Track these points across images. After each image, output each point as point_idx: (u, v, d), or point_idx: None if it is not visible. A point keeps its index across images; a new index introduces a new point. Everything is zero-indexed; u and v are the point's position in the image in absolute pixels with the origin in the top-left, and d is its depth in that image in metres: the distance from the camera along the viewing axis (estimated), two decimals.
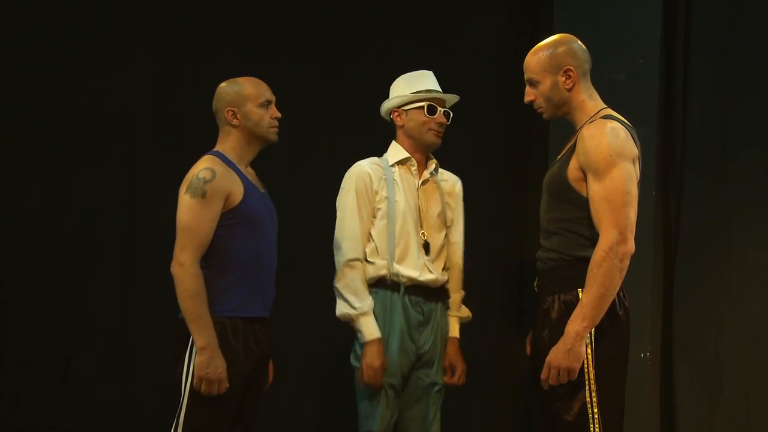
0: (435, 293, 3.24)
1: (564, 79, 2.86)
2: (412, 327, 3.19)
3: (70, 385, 3.88)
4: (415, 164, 3.28)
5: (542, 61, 2.88)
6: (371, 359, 3.10)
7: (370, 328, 3.11)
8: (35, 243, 3.90)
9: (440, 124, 3.26)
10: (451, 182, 3.33)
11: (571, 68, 2.86)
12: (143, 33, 4.01)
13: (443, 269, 3.27)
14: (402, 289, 3.19)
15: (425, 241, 3.22)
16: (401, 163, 3.27)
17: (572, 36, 2.94)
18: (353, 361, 3.21)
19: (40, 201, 3.91)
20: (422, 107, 3.24)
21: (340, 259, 3.19)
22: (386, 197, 3.20)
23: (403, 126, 3.27)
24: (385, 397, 3.16)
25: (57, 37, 3.93)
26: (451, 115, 3.28)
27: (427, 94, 3.24)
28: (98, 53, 3.97)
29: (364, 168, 3.23)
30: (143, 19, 4.01)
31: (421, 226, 3.22)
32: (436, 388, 3.23)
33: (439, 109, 3.25)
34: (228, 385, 2.83)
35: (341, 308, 3.17)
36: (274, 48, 4.08)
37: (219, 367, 2.80)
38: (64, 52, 3.93)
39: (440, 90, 3.28)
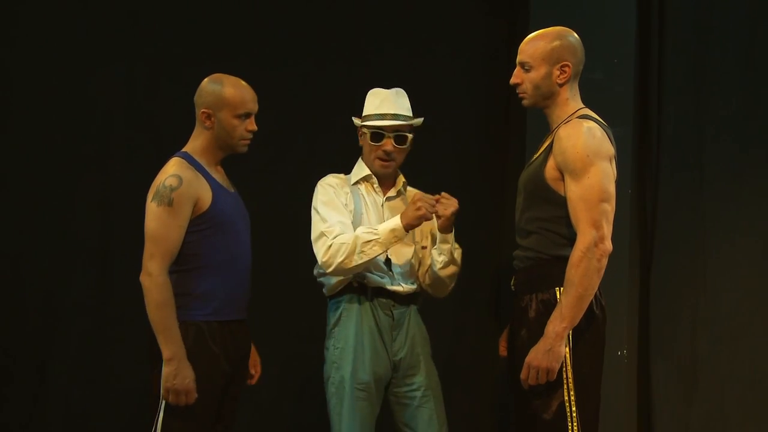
0: (405, 298, 3.28)
1: (558, 72, 2.92)
2: (384, 331, 3.23)
3: (45, 390, 3.88)
4: (377, 182, 3.32)
5: (542, 49, 2.93)
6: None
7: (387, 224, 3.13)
8: (9, 244, 3.89)
9: (387, 152, 3.24)
10: (411, 194, 3.33)
11: (569, 64, 2.93)
12: (119, 32, 4.01)
13: (414, 282, 3.31)
14: (369, 291, 3.25)
15: (386, 258, 3.24)
16: (364, 180, 3.32)
17: (574, 32, 3.00)
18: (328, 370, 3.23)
19: (14, 202, 3.89)
20: (366, 134, 3.26)
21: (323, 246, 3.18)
22: (352, 210, 3.26)
23: (361, 147, 3.35)
24: (359, 411, 3.18)
25: (31, 36, 3.92)
26: (410, 138, 3.24)
27: (372, 120, 3.24)
28: (73, 53, 3.98)
29: (330, 180, 3.32)
30: (119, 18, 4.00)
31: None
32: (424, 392, 3.24)
33: (387, 136, 3.23)
34: (196, 395, 2.86)
35: (364, 253, 3.11)
36: (251, 46, 4.09)
37: (186, 378, 2.84)
38: (38, 52, 3.93)
39: (395, 113, 3.23)
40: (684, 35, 4.01)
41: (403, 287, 3.27)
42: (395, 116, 3.26)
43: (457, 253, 3.28)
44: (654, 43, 4.00)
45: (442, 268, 3.25)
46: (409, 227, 3.13)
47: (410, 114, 3.29)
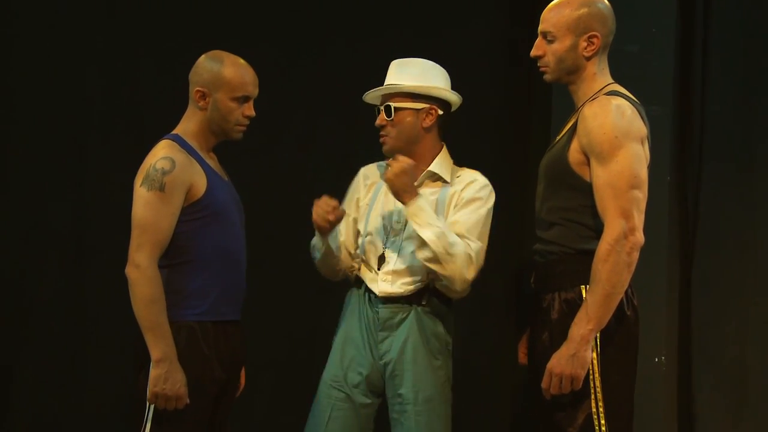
0: (393, 299, 3.17)
1: (585, 44, 2.84)
2: (371, 329, 3.17)
3: (11, 398, 3.86)
4: None
5: (566, 18, 2.84)
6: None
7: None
8: None
9: (378, 126, 3.18)
10: (461, 185, 3.20)
11: (597, 35, 2.84)
12: (97, 6, 4.00)
13: (416, 282, 3.17)
14: (363, 284, 3.22)
15: (381, 254, 3.18)
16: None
17: None
18: None
19: None
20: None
21: None
22: (365, 205, 3.26)
23: None
24: (327, 407, 3.16)
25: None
26: (395, 107, 3.12)
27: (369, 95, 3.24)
28: (46, 27, 3.96)
29: (361, 170, 3.32)
30: None
31: (388, 236, 3.19)
32: (404, 406, 3.13)
33: (379, 109, 3.18)
34: (188, 401, 2.79)
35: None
36: (243, 23, 4.05)
37: (177, 382, 2.77)
38: (7, 27, 3.93)
39: (389, 83, 3.17)
40: (734, 1, 3.94)
41: (380, 287, 3.17)
42: (383, 87, 3.20)
43: (430, 234, 3.03)
44: (699, 10, 3.93)
45: (417, 250, 3.12)
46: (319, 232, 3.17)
47: (411, 83, 3.15)
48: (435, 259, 3.05)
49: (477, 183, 3.19)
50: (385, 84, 3.18)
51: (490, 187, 3.20)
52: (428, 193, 3.18)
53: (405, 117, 3.15)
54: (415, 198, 3.04)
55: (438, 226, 3.05)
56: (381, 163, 3.30)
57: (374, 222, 3.22)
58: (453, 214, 3.15)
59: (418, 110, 3.16)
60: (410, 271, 3.16)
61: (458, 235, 3.09)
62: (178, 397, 2.76)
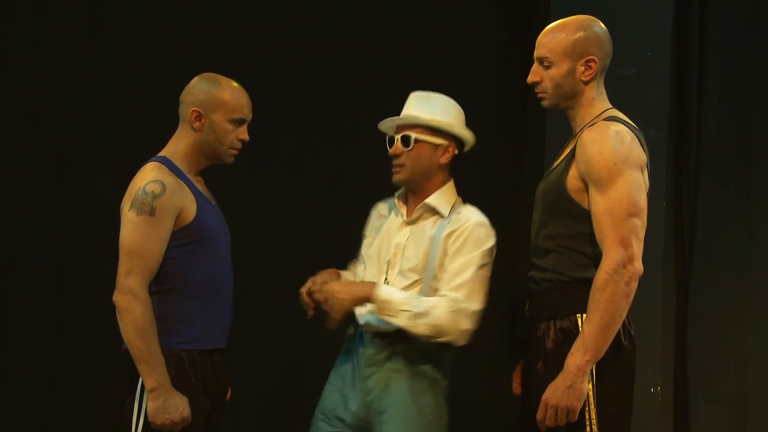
0: (390, 335, 3.14)
1: (583, 69, 2.86)
2: (360, 364, 3.17)
3: None
4: (403, 200, 3.26)
5: (563, 42, 2.86)
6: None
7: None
8: None
9: (393, 156, 3.17)
10: (456, 225, 3.15)
11: (595, 59, 2.86)
12: (80, 19, 4.00)
13: None
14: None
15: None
16: (399, 198, 3.28)
17: (599, 21, 2.92)
18: None
19: None
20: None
21: None
22: (374, 237, 3.27)
23: None
24: None
25: None
26: (414, 138, 3.13)
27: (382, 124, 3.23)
28: (30, 47, 3.98)
29: (375, 207, 3.34)
30: (81, 4, 4.00)
31: (388, 270, 3.19)
32: None
33: (396, 138, 3.17)
34: (190, 420, 2.81)
35: None
36: (231, 41, 4.08)
37: (180, 406, 2.79)
38: None
39: (406, 114, 3.18)
40: (729, 25, 3.98)
41: (366, 320, 3.16)
42: (404, 117, 3.20)
43: (404, 321, 3.03)
44: (694, 33, 3.97)
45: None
46: None
47: (431, 117, 3.16)
48: (427, 336, 3.05)
49: (469, 223, 3.14)
50: (402, 114, 3.18)
51: (484, 226, 3.15)
52: (427, 227, 3.18)
53: (423, 150, 3.16)
54: (373, 292, 3.05)
55: (407, 308, 3.03)
56: (390, 199, 3.30)
57: (373, 256, 3.23)
58: (444, 264, 3.12)
59: (437, 145, 3.16)
60: None
61: (438, 289, 3.07)
62: (184, 420, 2.79)
